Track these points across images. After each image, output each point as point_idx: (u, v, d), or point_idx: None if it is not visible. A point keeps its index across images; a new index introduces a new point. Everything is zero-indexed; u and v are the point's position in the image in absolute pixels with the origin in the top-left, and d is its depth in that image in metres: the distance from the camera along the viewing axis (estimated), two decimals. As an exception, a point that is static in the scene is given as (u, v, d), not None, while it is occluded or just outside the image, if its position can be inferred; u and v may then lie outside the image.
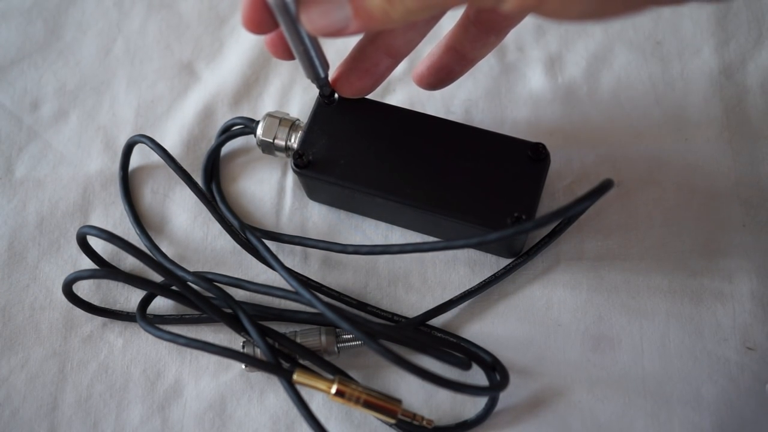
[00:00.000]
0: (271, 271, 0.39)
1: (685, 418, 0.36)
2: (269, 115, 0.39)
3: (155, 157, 0.41)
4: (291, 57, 0.32)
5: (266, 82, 0.44)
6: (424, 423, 0.34)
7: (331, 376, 0.34)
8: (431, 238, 0.40)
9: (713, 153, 0.41)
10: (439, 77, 0.37)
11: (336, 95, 0.37)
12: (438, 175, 0.36)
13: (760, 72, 0.42)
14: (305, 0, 0.27)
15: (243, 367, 0.37)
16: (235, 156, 0.43)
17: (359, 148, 0.37)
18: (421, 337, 0.37)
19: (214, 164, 0.42)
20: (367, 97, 0.38)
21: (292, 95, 0.44)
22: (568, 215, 0.31)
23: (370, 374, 0.38)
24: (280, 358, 0.35)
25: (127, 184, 0.42)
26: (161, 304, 0.39)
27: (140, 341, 0.39)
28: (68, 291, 0.37)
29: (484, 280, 0.38)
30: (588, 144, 0.41)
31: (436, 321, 0.38)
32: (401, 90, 0.44)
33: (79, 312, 0.39)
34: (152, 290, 0.37)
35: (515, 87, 0.43)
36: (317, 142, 0.37)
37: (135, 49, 0.46)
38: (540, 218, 0.30)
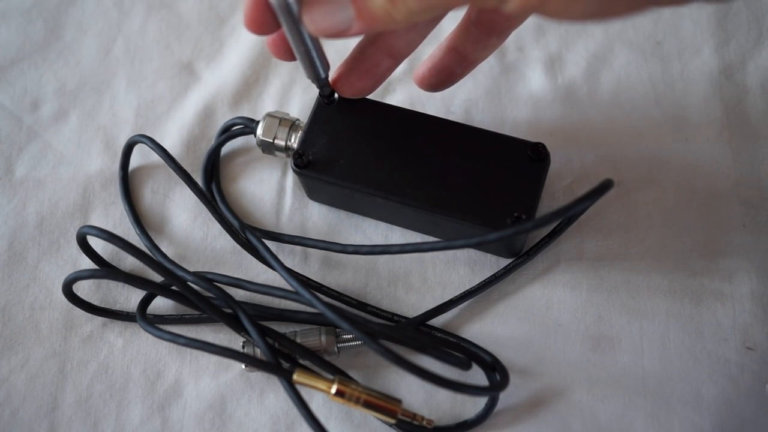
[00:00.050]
0: (271, 271, 0.39)
1: (685, 418, 0.36)
2: (269, 115, 0.39)
3: (155, 157, 0.41)
4: (292, 57, 0.32)
5: (266, 82, 0.44)
6: (424, 423, 0.34)
7: (331, 376, 0.34)
8: (431, 238, 0.40)
9: (713, 153, 0.41)
10: (440, 78, 0.37)
11: (336, 95, 0.37)
12: (438, 175, 0.36)
13: (760, 72, 0.42)
14: (308, 1, 0.27)
15: (243, 367, 0.37)
16: (235, 156, 0.43)
17: (359, 148, 0.37)
18: (421, 337, 0.37)
19: (214, 164, 0.42)
20: (367, 97, 0.38)
21: (292, 95, 0.44)
22: (568, 215, 0.31)
23: (370, 374, 0.38)
24: (280, 358, 0.35)
25: (127, 184, 0.42)
26: (161, 304, 0.39)
27: (140, 341, 0.39)
28: (68, 291, 0.37)
29: (484, 280, 0.38)
30: (588, 144, 0.41)
31: (436, 321, 0.38)
32: (401, 90, 0.44)
33: (79, 312, 0.39)
34: (152, 290, 0.37)
35: (515, 87, 0.43)
36: (317, 142, 0.37)
37: (135, 49, 0.46)
38: (540, 218, 0.30)
